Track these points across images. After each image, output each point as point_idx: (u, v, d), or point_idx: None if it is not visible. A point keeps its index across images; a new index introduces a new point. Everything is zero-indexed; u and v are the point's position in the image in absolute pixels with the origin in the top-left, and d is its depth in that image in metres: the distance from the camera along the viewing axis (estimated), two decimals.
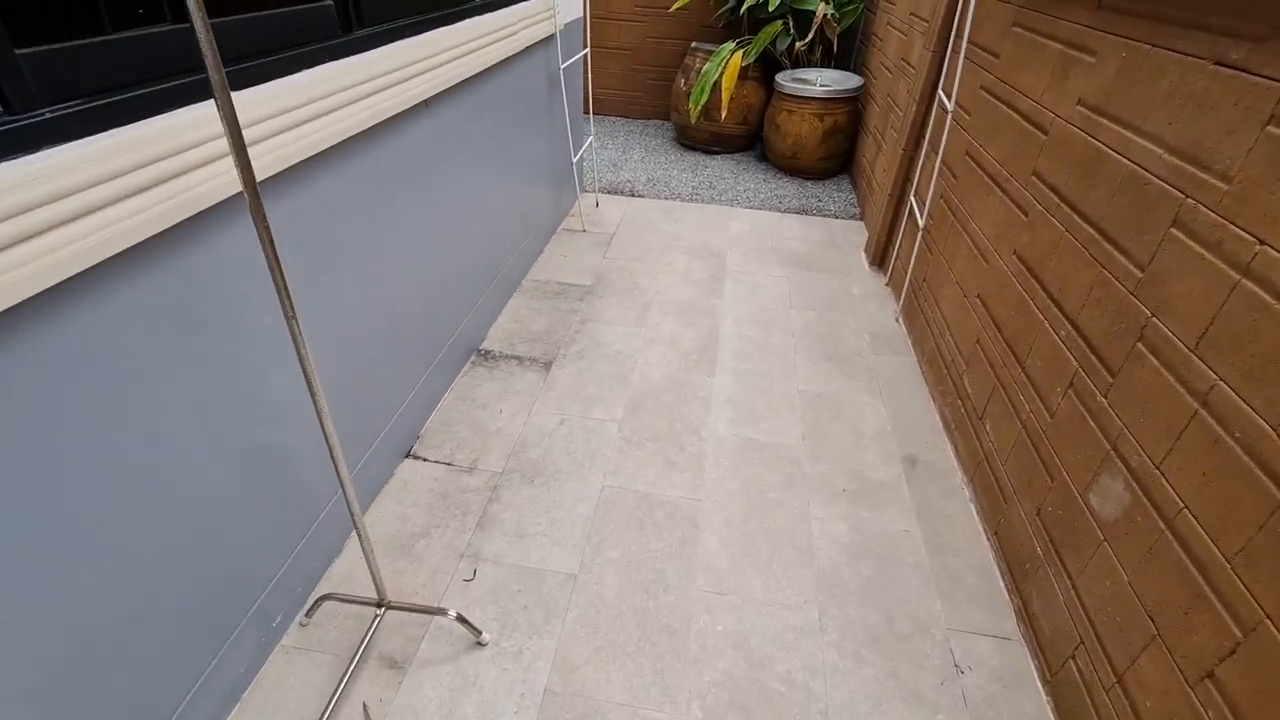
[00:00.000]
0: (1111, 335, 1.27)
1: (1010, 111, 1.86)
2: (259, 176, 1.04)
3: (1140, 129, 1.27)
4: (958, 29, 2.32)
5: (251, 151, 0.98)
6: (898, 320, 2.64)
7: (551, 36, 2.66)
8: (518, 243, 2.72)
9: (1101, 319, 1.31)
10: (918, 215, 2.50)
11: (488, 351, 2.33)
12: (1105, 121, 1.38)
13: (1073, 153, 1.49)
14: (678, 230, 3.34)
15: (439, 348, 2.07)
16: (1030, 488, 1.51)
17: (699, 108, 3.99)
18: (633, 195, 3.74)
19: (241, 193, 0.88)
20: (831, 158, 3.97)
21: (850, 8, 4.03)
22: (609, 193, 3.76)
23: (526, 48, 2.45)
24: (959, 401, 1.98)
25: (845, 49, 4.34)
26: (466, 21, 1.96)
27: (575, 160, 3.01)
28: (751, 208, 3.66)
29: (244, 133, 0.86)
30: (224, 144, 0.88)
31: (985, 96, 2.04)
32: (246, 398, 1.20)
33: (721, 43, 4.23)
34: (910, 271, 2.53)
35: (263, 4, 1.21)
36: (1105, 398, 1.27)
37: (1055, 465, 1.41)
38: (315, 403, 1.07)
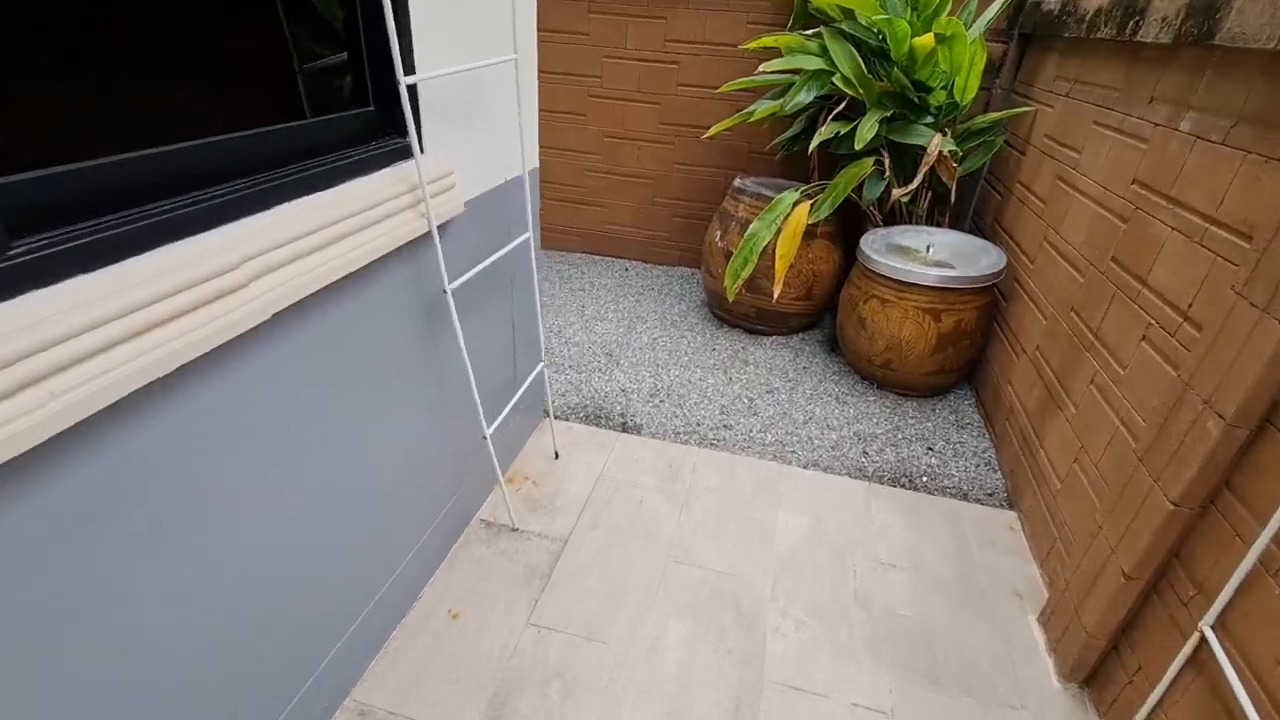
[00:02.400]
0: None
1: None
2: None
3: None
4: None
5: None
6: None
7: (425, 238, 1.33)
8: (346, 619, 1.32)
9: None
10: (1240, 696, 0.97)
11: None
12: None
13: None
14: (682, 529, 1.89)
15: None
16: None
17: (738, 282, 2.61)
18: (623, 429, 2.33)
19: None
20: (947, 371, 2.49)
21: (982, 141, 2.63)
22: (588, 420, 2.36)
23: (362, 268, 1.13)
24: None
25: (965, 192, 2.92)
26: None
27: (489, 433, 1.64)
28: (816, 466, 2.19)
29: None
30: None
31: None
32: None
33: (777, 183, 2.89)
34: None
35: None
36: None
37: None
38: None
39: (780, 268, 2.56)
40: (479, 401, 1.58)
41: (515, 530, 1.85)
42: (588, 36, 3.19)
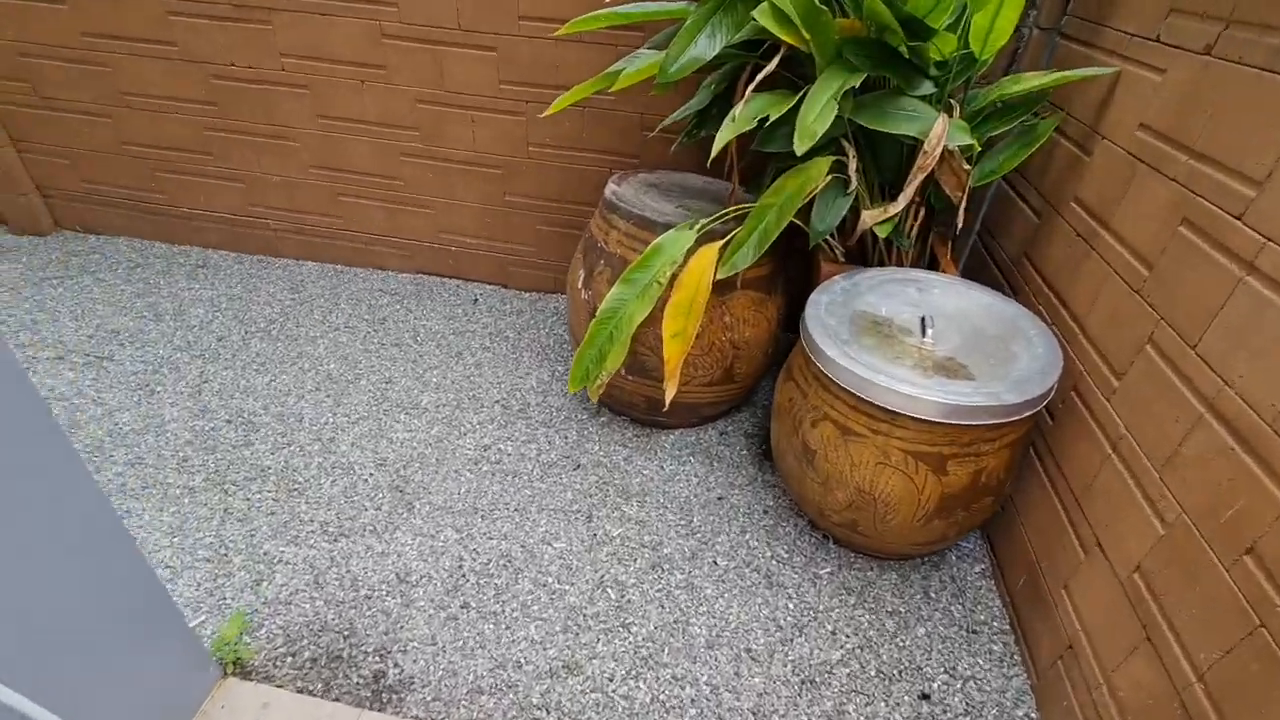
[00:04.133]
0: None
1: None
2: None
3: None
4: None
5: None
6: None
7: None
8: None
9: None
10: None
11: None
12: None
13: None
14: None
15: None
16: None
17: (597, 383, 1.52)
18: (373, 695, 1.26)
19: None
20: (950, 539, 1.47)
21: (1016, 126, 1.54)
22: (312, 670, 1.28)
23: None
24: None
25: (974, 199, 1.85)
26: None
27: None
28: None
29: None
30: None
31: None
32: None
33: (680, 181, 1.76)
34: None
35: None
36: None
37: None
38: None
39: (673, 354, 1.47)
40: None
41: None
42: None
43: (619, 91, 1.65)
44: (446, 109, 2.17)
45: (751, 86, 1.37)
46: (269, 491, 1.65)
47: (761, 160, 1.75)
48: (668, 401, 1.53)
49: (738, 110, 1.36)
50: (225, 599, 1.40)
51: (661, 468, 1.81)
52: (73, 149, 2.50)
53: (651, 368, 1.71)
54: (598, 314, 1.43)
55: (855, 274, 1.59)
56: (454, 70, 2.09)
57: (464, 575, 1.48)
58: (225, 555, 1.49)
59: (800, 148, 1.26)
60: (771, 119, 1.34)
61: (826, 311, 1.45)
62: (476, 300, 2.48)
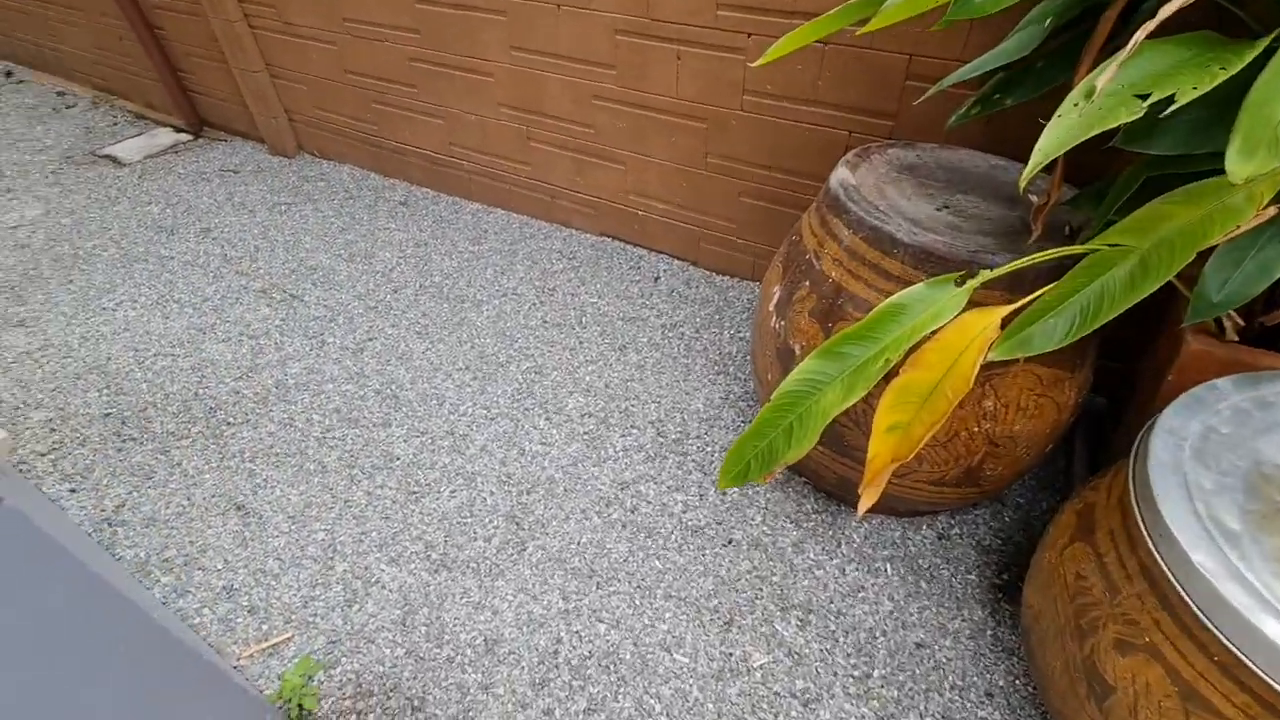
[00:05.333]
0: None
1: None
2: None
3: None
4: None
5: None
6: None
7: None
8: None
9: None
10: None
11: None
12: None
13: None
14: None
15: None
16: None
17: (766, 472, 1.05)
18: None
19: None
20: None
21: None
22: None
23: None
24: None
25: None
26: None
27: None
28: None
29: None
30: None
31: None
32: None
33: (955, 165, 1.13)
34: None
35: None
36: None
37: None
38: None
39: (881, 453, 0.96)
40: None
41: None
42: None
43: (890, 27, 1.06)
44: (649, 42, 1.73)
45: (1145, 32, 0.71)
46: (390, 488, 1.50)
47: (1113, 151, 1.04)
48: (861, 512, 1.02)
49: (1102, 79, 0.71)
50: (316, 614, 1.28)
51: (841, 571, 1.31)
52: (308, 74, 2.55)
53: (851, 443, 1.20)
54: (774, 397, 0.95)
55: (1264, 380, 0.88)
56: (663, 2, 1.62)
57: (557, 666, 1.19)
58: (330, 558, 1.37)
59: (1242, 170, 0.61)
60: (1179, 102, 0.68)
61: (1194, 456, 0.80)
62: (658, 279, 2.09)
